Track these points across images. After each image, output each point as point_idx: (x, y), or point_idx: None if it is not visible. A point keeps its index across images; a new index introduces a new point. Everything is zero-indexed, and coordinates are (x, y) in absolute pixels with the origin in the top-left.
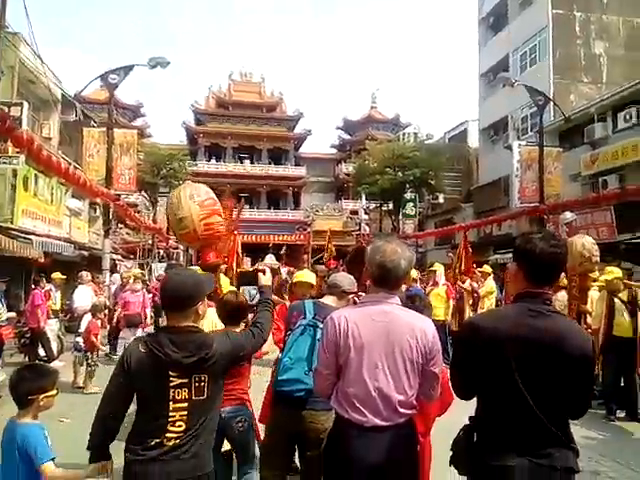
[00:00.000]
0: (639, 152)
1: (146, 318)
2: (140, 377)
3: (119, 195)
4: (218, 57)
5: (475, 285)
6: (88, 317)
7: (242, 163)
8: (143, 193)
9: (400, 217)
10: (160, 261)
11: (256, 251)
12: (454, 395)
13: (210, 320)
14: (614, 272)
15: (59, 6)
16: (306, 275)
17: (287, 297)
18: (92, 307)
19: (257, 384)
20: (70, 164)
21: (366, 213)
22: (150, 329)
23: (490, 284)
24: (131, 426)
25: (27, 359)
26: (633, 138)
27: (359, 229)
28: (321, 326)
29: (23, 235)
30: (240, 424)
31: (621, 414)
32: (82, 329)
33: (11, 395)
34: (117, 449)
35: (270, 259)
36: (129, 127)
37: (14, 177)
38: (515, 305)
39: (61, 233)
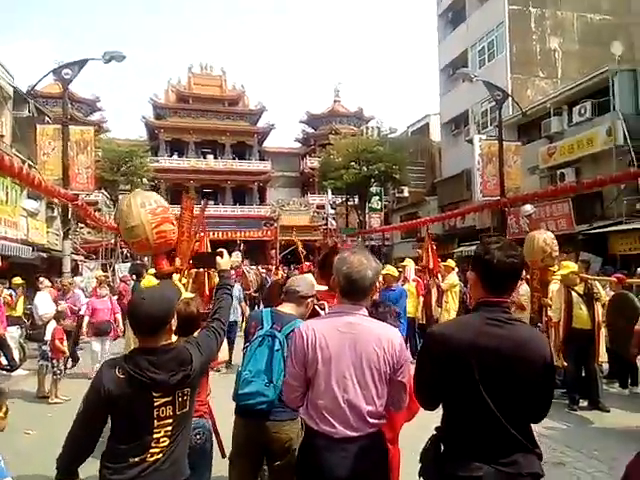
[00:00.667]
0: (594, 145)
1: (117, 324)
2: (120, 402)
3: (77, 194)
4: (177, 50)
5: (438, 279)
6: (53, 324)
7: (205, 158)
8: (103, 191)
9: (366, 211)
10: (124, 261)
11: (223, 248)
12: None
13: None
14: (570, 267)
15: None
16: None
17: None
18: (56, 313)
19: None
20: (24, 162)
21: (332, 208)
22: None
23: (452, 278)
24: (106, 443)
25: None
26: (588, 131)
27: (326, 224)
28: (278, 335)
29: None
30: (199, 437)
31: (584, 403)
32: (48, 337)
33: None
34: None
35: (236, 256)
36: (86, 122)
37: None
38: (474, 314)
39: (18, 235)
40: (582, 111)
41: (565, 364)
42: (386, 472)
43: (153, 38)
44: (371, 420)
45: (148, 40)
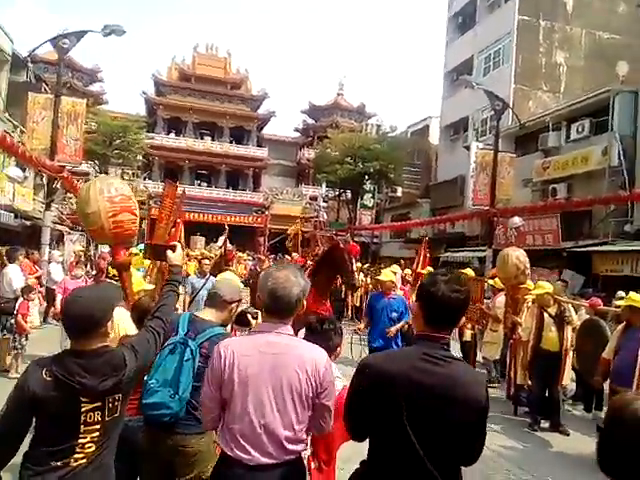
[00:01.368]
0: (588, 163)
1: None
2: (45, 405)
3: (63, 166)
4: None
5: None
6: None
7: (202, 139)
8: (91, 162)
9: (358, 207)
10: None
11: (211, 231)
12: None
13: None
14: (545, 287)
15: None
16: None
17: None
18: (23, 287)
19: None
20: (16, 127)
21: (324, 201)
22: None
23: None
24: (29, 444)
25: None
26: (584, 149)
27: (317, 216)
28: (191, 344)
29: None
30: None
31: (545, 424)
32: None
33: None
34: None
35: (222, 241)
36: (85, 92)
37: None
38: (412, 347)
39: (1, 200)
40: (580, 129)
41: (530, 383)
42: None
43: (161, 15)
44: (289, 447)
45: (156, 17)
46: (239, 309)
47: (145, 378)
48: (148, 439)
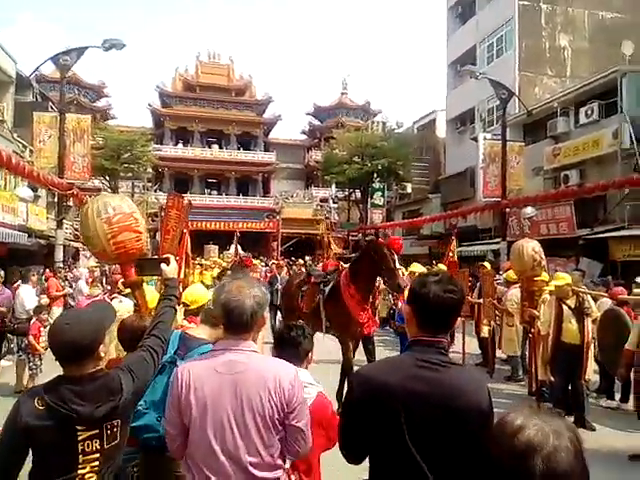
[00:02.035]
0: (599, 147)
1: None
2: (39, 436)
3: (72, 183)
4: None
5: None
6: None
7: (210, 148)
8: (101, 178)
9: (368, 206)
10: None
11: (224, 239)
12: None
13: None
14: (565, 278)
15: None
16: None
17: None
18: (35, 308)
19: None
20: (26, 147)
21: (334, 202)
22: None
23: None
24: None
25: None
26: (594, 133)
27: (328, 218)
28: (179, 363)
29: None
30: (136, 469)
31: (569, 419)
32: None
33: None
34: None
35: (234, 248)
36: (92, 108)
37: None
38: (406, 355)
39: (16, 221)
40: (589, 112)
41: (552, 378)
42: None
43: (163, 27)
44: (258, 474)
45: (158, 29)
46: None
47: None
48: (144, 464)
